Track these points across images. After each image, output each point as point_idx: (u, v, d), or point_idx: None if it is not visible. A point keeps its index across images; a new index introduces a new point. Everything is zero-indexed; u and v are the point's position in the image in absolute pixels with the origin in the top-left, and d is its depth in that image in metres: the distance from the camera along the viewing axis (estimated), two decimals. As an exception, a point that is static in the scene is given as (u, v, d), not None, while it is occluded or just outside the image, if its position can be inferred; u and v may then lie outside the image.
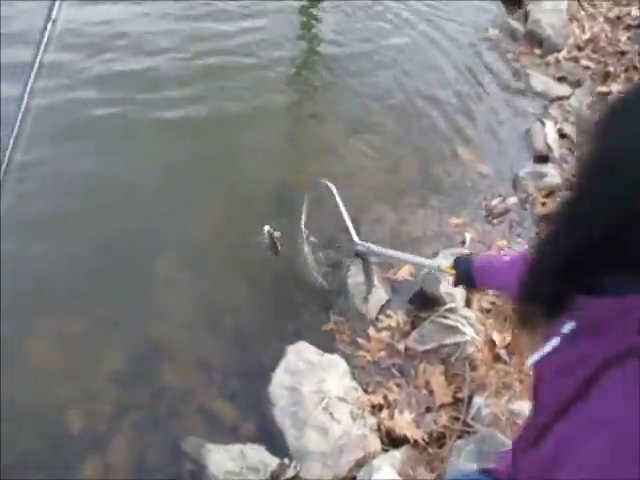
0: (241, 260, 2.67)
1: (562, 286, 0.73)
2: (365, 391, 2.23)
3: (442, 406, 2.16)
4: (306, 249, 2.68)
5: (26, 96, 1.33)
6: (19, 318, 2.28)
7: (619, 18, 4.80)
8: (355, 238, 2.50)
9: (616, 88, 3.89)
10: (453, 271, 1.90)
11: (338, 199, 2.61)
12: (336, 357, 2.31)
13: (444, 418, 2.11)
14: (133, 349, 2.29)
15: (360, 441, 2.05)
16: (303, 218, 2.72)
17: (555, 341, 0.75)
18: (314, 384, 2.19)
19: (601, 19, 4.80)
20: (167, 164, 3.01)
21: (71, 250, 2.57)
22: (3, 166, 1.40)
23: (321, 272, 2.64)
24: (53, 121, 3.02)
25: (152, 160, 3.03)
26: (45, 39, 1.28)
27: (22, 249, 2.51)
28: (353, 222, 2.56)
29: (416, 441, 2.05)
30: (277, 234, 2.49)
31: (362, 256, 2.50)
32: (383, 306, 2.54)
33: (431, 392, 2.20)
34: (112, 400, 2.13)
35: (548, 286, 0.75)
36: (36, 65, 1.31)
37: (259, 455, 2.01)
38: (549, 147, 3.54)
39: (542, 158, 3.51)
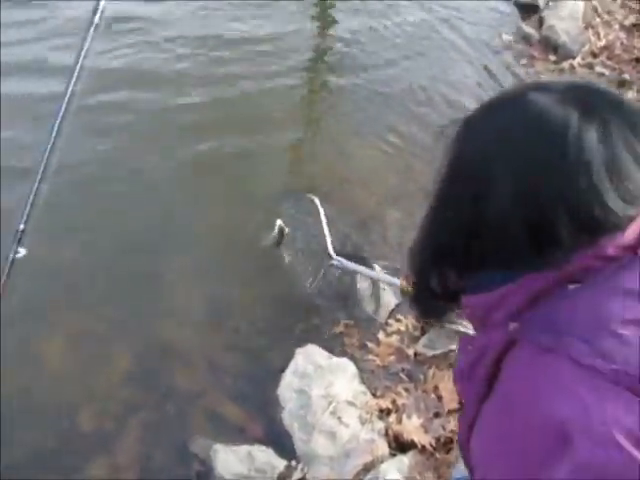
0: (251, 263, 2.68)
1: (433, 283, 0.79)
2: (374, 395, 2.22)
3: (450, 412, 2.14)
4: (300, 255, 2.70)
5: (64, 107, 1.36)
6: (34, 319, 2.31)
7: (635, 26, 4.77)
8: (331, 252, 2.58)
9: (632, 95, 3.86)
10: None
11: (322, 213, 2.68)
12: (345, 360, 2.30)
13: (452, 424, 2.09)
14: (143, 350, 2.31)
15: (368, 445, 2.04)
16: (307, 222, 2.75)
17: (460, 343, 0.81)
18: (323, 388, 2.19)
19: (617, 26, 4.78)
20: (178, 168, 3.04)
21: (83, 253, 2.60)
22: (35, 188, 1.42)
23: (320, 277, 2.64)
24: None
25: (163, 164, 3.06)
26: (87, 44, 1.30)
27: (36, 253, 2.53)
28: (366, 227, 2.58)
29: (424, 446, 2.03)
30: (287, 230, 2.63)
31: (337, 269, 2.60)
32: (393, 310, 2.54)
33: (440, 397, 2.19)
34: (121, 400, 2.15)
35: (422, 283, 0.81)
36: (78, 68, 1.33)
37: (266, 457, 2.01)
38: (562, 154, 3.52)
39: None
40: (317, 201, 2.74)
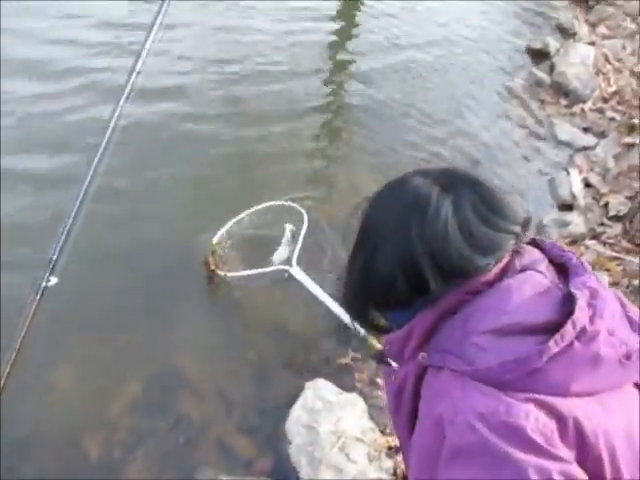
0: (261, 295, 2.70)
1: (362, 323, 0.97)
2: (382, 432, 2.20)
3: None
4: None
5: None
6: (46, 345, 2.33)
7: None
8: (294, 262, 2.62)
9: (642, 140, 3.90)
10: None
11: (305, 224, 2.77)
12: (354, 396, 2.29)
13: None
14: (153, 379, 2.31)
15: (376, 484, 2.02)
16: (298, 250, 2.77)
17: (385, 376, 0.95)
18: (331, 423, 2.17)
19: (627, 73, 4.86)
20: (195, 198, 3.11)
21: (98, 281, 2.64)
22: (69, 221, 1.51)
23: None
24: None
25: (180, 192, 3.13)
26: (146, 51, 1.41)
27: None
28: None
29: (433, 487, 2.00)
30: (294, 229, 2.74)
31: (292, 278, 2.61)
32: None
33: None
34: (129, 428, 2.14)
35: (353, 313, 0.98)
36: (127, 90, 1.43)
37: (272, 492, 1.99)
38: (574, 196, 3.55)
39: (566, 206, 3.52)
40: (305, 214, 2.84)
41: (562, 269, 0.85)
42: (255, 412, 2.25)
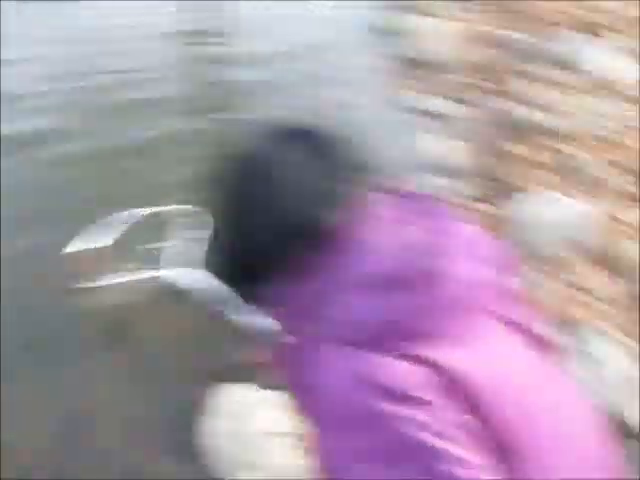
0: (147, 311, 2.62)
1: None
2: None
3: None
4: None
5: None
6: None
7: (502, 41, 5.18)
8: (165, 265, 2.56)
9: (507, 105, 4.18)
10: None
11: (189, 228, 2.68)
12: (271, 392, 2.27)
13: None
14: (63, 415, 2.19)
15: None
16: None
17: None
18: (254, 424, 2.15)
19: (484, 43, 5.17)
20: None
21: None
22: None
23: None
24: None
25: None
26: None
27: None
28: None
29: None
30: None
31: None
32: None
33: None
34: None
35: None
36: None
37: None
38: (442, 161, 3.76)
39: (438, 171, 3.72)
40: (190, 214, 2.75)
41: (417, 213, 0.83)
42: (173, 431, 2.19)
